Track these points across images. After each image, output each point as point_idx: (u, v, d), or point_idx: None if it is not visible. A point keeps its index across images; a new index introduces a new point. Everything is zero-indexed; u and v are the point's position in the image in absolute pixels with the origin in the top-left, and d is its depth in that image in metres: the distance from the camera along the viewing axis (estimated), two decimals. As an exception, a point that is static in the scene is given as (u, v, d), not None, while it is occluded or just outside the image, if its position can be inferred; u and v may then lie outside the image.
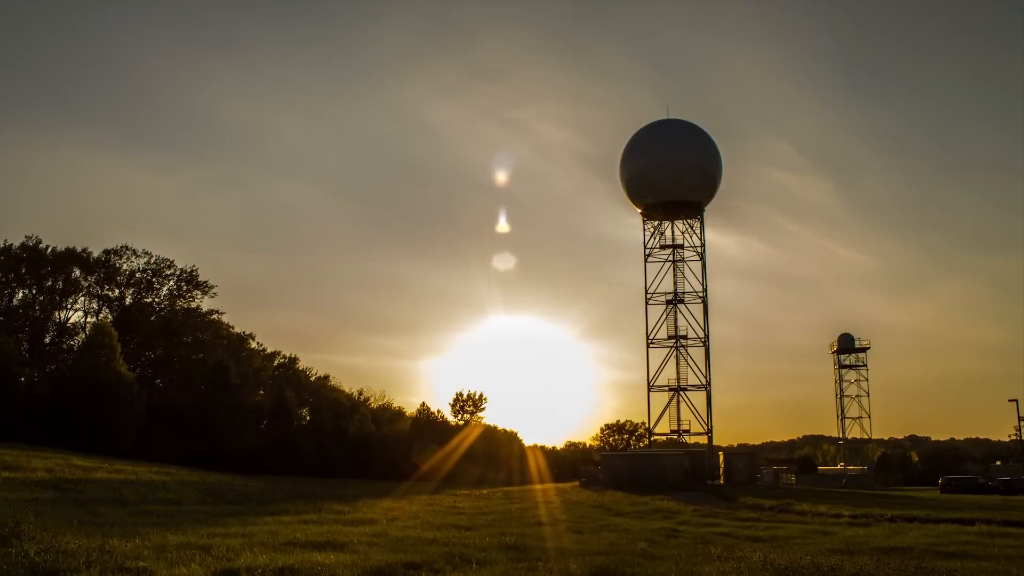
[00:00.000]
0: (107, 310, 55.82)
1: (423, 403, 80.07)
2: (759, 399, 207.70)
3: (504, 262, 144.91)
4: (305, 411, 64.34)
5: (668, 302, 67.90)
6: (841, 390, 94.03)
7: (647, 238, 69.75)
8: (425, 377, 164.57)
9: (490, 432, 77.73)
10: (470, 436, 70.37)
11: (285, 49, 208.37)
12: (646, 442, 79.25)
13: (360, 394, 75.80)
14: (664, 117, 71.42)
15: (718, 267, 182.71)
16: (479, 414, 79.23)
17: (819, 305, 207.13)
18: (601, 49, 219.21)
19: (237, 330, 63.75)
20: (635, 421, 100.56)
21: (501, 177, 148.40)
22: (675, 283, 67.99)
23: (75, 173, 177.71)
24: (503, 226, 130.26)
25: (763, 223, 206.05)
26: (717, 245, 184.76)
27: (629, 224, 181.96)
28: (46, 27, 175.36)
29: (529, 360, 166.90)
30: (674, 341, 67.57)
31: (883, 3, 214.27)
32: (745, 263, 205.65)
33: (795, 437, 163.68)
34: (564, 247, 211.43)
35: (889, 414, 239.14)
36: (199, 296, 59.50)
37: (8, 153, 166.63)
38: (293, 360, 71.83)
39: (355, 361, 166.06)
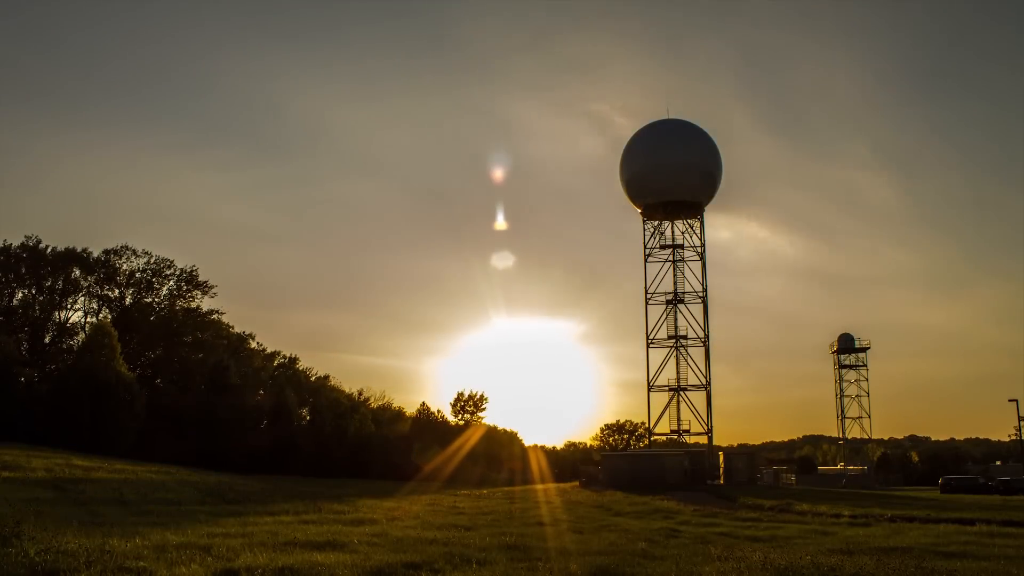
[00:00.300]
0: (107, 310, 55.83)
1: (423, 403, 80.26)
2: (759, 399, 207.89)
3: (503, 260, 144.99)
4: (305, 411, 64.34)
5: (668, 302, 67.94)
6: (841, 390, 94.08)
7: (647, 238, 69.84)
8: (428, 377, 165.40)
9: (491, 432, 77.80)
10: (472, 437, 70.42)
11: (372, 44, 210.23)
12: (646, 442, 79.25)
13: (360, 394, 75.87)
14: (665, 116, 71.51)
15: (751, 262, 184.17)
16: (479, 414, 79.33)
17: (843, 303, 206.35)
18: (693, 44, 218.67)
19: (238, 330, 63.91)
20: (635, 421, 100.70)
21: (498, 174, 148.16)
22: (675, 283, 68.06)
23: (134, 171, 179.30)
24: (500, 223, 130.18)
25: (815, 219, 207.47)
26: (771, 242, 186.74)
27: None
28: (111, 23, 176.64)
29: (530, 360, 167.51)
30: (674, 341, 67.61)
31: (960, 5, 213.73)
32: (785, 259, 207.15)
33: (795, 437, 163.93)
34: (610, 246, 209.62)
35: (889, 414, 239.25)
36: (199, 296, 59.58)
37: (67, 150, 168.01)
38: (293, 360, 71.92)
39: (373, 361, 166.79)
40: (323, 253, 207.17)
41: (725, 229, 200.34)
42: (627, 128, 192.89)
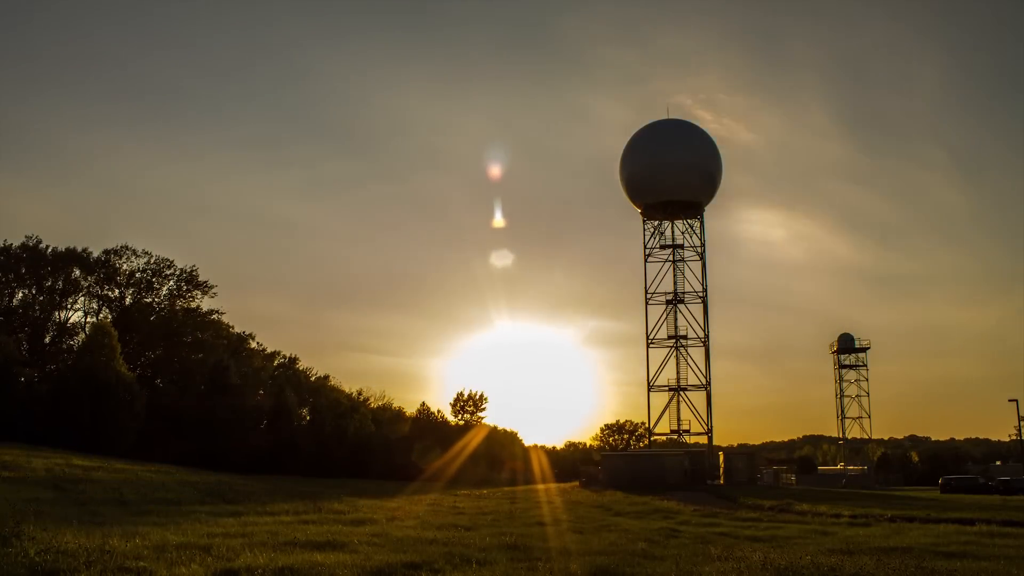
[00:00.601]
0: (107, 310, 55.83)
1: (423, 403, 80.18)
2: (759, 399, 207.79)
3: (502, 259, 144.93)
4: (305, 411, 64.35)
5: (668, 302, 67.95)
6: (841, 390, 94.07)
7: (647, 238, 69.86)
8: (428, 378, 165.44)
9: (492, 433, 77.78)
10: (476, 438, 70.41)
11: (466, 41, 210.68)
12: (646, 442, 79.26)
13: (360, 394, 75.89)
14: (665, 117, 71.63)
15: (796, 258, 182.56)
16: (479, 414, 79.22)
17: (847, 303, 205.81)
18: (789, 42, 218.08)
19: (238, 330, 63.92)
20: (635, 421, 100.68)
21: (495, 171, 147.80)
22: (675, 283, 68.08)
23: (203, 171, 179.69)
24: (499, 220, 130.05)
25: (869, 218, 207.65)
26: (824, 240, 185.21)
27: (743, 219, 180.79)
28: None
29: (530, 361, 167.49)
30: (674, 341, 67.61)
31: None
32: (819, 256, 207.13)
33: (795, 437, 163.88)
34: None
35: (889, 414, 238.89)
36: (199, 296, 59.57)
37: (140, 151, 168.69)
38: (293, 360, 71.93)
39: (372, 360, 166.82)
40: (396, 254, 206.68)
41: (780, 227, 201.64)
42: (707, 122, 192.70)
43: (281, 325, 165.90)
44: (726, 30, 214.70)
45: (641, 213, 70.20)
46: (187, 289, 59.01)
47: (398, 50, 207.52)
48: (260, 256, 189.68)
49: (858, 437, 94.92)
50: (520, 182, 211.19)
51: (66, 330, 54.76)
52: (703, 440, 66.40)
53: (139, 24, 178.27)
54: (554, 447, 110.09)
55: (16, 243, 53.33)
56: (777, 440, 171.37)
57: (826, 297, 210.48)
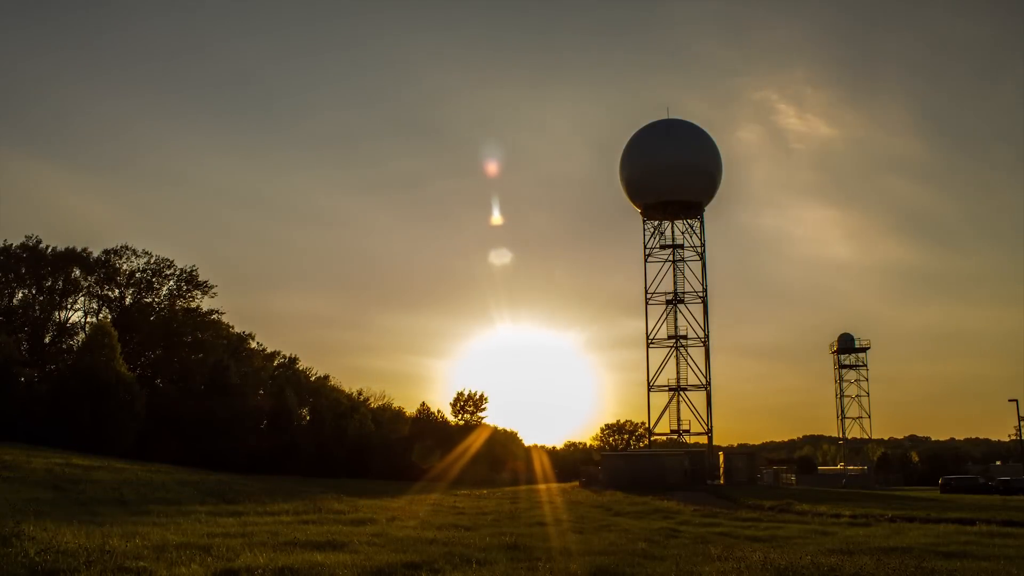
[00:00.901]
0: (107, 310, 55.85)
1: (423, 403, 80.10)
2: (759, 399, 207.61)
3: (500, 258, 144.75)
4: (305, 411, 64.36)
5: (668, 302, 67.95)
6: (841, 390, 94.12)
7: (647, 238, 69.87)
8: (428, 378, 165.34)
9: (493, 433, 77.77)
10: (478, 439, 70.43)
11: (556, 39, 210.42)
12: (646, 442, 79.26)
13: (360, 394, 75.89)
14: (666, 117, 71.53)
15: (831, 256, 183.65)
16: (479, 414, 79.16)
17: (848, 302, 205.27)
18: (879, 38, 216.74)
19: (238, 330, 63.93)
20: (635, 421, 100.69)
21: (492, 168, 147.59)
22: (675, 283, 68.10)
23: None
24: (496, 218, 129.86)
25: (923, 219, 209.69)
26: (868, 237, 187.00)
27: (796, 217, 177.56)
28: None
29: (530, 360, 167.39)
30: (674, 341, 67.62)
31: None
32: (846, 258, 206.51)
33: (795, 437, 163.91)
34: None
35: (889, 414, 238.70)
36: (199, 296, 59.60)
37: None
38: (293, 360, 71.95)
39: (373, 361, 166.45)
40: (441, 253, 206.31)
41: (835, 225, 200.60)
42: (787, 116, 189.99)
43: (289, 323, 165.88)
44: (819, 24, 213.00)
45: (641, 213, 70.21)
46: (187, 289, 59.08)
47: (482, 47, 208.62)
48: (279, 254, 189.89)
49: (858, 437, 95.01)
50: (589, 182, 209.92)
51: (66, 330, 54.82)
52: (703, 440, 66.47)
53: (211, 14, 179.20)
54: (554, 447, 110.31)
55: (16, 243, 53.49)
56: (777, 440, 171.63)
57: (842, 295, 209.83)
